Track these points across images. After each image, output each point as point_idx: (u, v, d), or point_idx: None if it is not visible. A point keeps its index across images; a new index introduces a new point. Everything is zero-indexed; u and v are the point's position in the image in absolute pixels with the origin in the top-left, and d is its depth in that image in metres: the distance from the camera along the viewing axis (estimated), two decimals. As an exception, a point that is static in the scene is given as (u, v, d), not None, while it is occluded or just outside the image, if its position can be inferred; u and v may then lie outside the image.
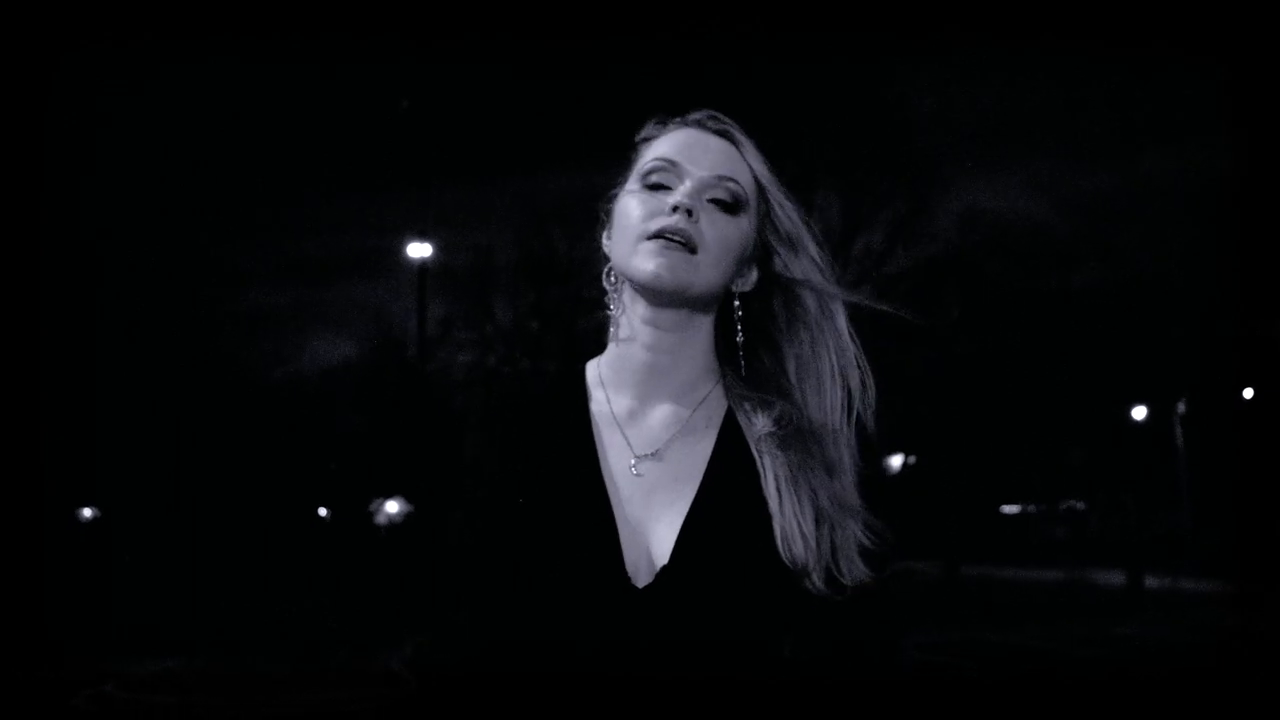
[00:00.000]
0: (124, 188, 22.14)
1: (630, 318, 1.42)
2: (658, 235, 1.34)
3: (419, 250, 20.92)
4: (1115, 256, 24.66)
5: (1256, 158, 21.48)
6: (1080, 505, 33.75)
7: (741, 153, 1.41)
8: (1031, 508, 35.06)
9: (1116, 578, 20.53)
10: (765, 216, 1.42)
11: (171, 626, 13.69)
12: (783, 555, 1.30)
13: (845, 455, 1.37)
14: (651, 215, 1.36)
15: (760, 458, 1.35)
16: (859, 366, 1.42)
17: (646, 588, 1.30)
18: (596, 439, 1.40)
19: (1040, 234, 24.14)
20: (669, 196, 1.36)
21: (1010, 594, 19.47)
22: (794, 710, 1.31)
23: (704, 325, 1.42)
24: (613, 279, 1.44)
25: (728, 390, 1.42)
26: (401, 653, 11.35)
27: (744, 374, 1.43)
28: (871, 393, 1.42)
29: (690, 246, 1.34)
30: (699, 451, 1.38)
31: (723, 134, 1.41)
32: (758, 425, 1.36)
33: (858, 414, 1.40)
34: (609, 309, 1.45)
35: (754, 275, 1.43)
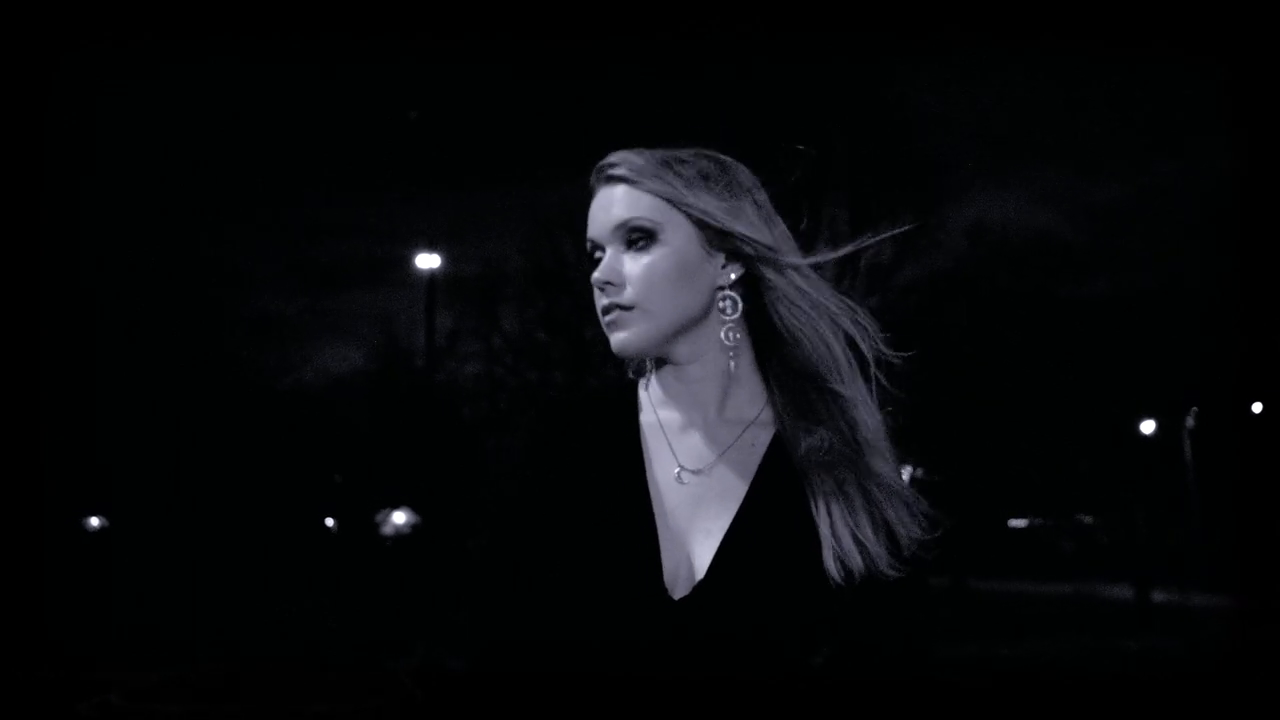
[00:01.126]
0: (131, 196, 22.22)
1: (653, 364, 1.49)
2: (602, 315, 1.43)
3: (427, 261, 20.94)
4: (1124, 268, 24.68)
5: (1268, 170, 21.46)
6: (1088, 519, 33.68)
7: (635, 185, 1.42)
8: (1040, 521, 35.00)
9: (1125, 591, 20.48)
10: (695, 220, 1.42)
11: (176, 634, 13.70)
12: (834, 573, 1.32)
13: (884, 442, 1.40)
14: (596, 299, 1.44)
15: (809, 481, 1.37)
16: (840, 311, 1.43)
17: (682, 599, 1.32)
18: (644, 449, 1.43)
19: (1048, 245, 24.12)
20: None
21: (1018, 607, 19.42)
22: None
23: (715, 343, 1.43)
24: None
25: (776, 416, 1.43)
26: (410, 660, 11.35)
27: (769, 366, 1.45)
28: (873, 326, 1.44)
29: (625, 307, 1.40)
30: (745, 470, 1.40)
31: (613, 179, 1.44)
32: (803, 451, 1.38)
33: (881, 358, 1.43)
34: (630, 369, 1.54)
35: (734, 267, 1.43)
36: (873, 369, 1.42)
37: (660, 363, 1.46)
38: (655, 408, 1.46)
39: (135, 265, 22.06)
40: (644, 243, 1.40)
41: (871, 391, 1.42)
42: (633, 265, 1.40)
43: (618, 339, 1.40)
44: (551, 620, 1.34)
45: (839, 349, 1.41)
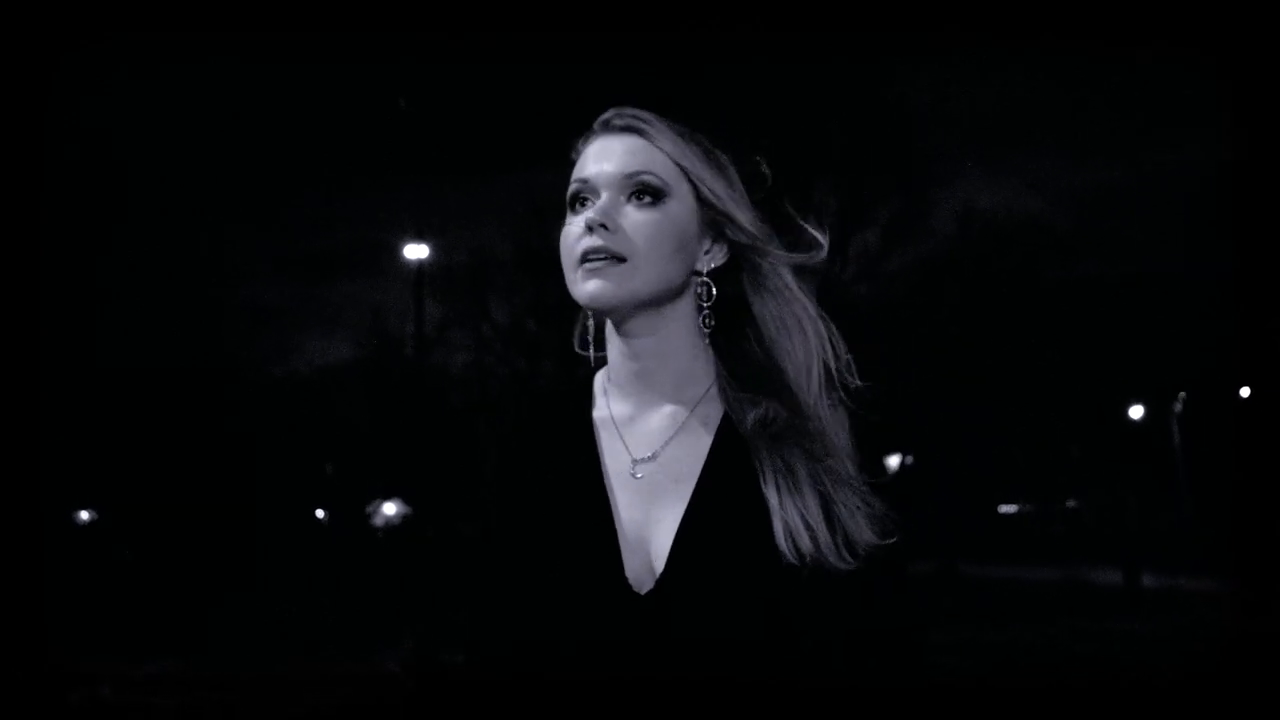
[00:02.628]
0: (123, 186, 22.15)
1: (607, 336, 1.44)
2: (583, 259, 1.35)
3: (416, 250, 20.86)
4: (1113, 253, 24.75)
5: (1256, 154, 21.51)
6: (1077, 503, 33.81)
7: (651, 141, 1.38)
8: (1029, 506, 35.12)
9: (1114, 576, 20.54)
10: (697, 192, 1.40)
11: (168, 626, 13.68)
12: (785, 551, 1.28)
13: (838, 433, 1.36)
14: (578, 239, 1.36)
15: (757, 456, 1.34)
16: (819, 320, 1.41)
17: (648, 594, 1.30)
18: (598, 444, 1.41)
19: (1038, 230, 24.15)
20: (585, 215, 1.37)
21: (1007, 593, 19.48)
22: (798, 713, 1.30)
23: (678, 320, 1.41)
24: (585, 315, 1.48)
25: (721, 390, 1.41)
26: (399, 651, 11.34)
27: (719, 350, 1.43)
28: (841, 345, 1.42)
29: (617, 256, 1.34)
30: (696, 452, 1.38)
31: (628, 129, 1.40)
32: (748, 424, 1.35)
33: (841, 381, 1.40)
34: (575, 341, 1.49)
35: (721, 250, 1.42)
36: (837, 382, 1.39)
37: (613, 339, 1.43)
38: (607, 400, 1.44)
39: (126, 256, 22.03)
40: (650, 199, 1.36)
41: (834, 397, 1.39)
42: (635, 217, 1.36)
43: (596, 286, 1.34)
44: (525, 630, 1.33)
45: (812, 344, 1.39)
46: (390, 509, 34.01)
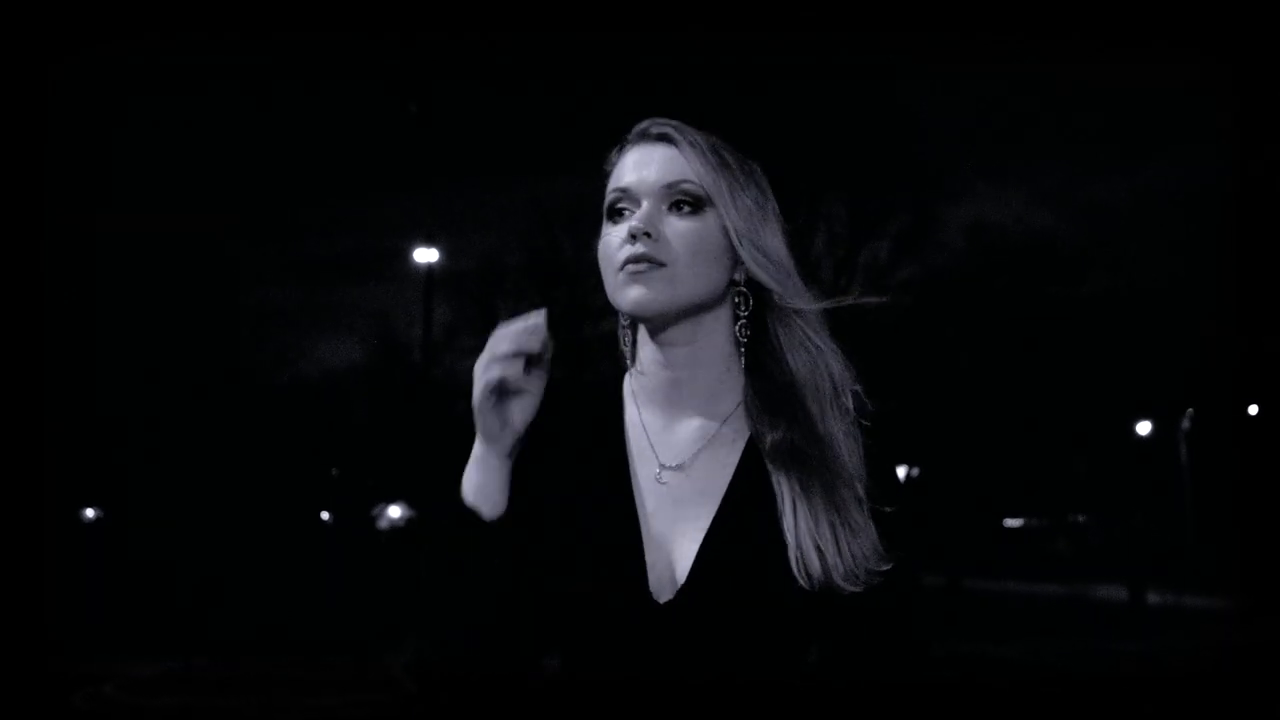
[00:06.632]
0: (133, 189, 22.24)
1: (641, 343, 1.44)
2: (625, 265, 1.36)
3: (425, 255, 20.89)
4: (1121, 269, 24.69)
5: (1266, 172, 21.48)
6: (1083, 519, 33.72)
7: (682, 152, 1.39)
8: (1035, 521, 35.05)
9: (1119, 592, 20.51)
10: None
11: (171, 627, 13.69)
12: (798, 575, 1.30)
13: (850, 457, 1.37)
14: (619, 247, 1.37)
15: (775, 478, 1.35)
16: (827, 347, 1.42)
17: (667, 604, 1.31)
18: (627, 450, 1.41)
19: (1046, 245, 24.13)
20: (627, 224, 1.38)
21: (1013, 608, 19.45)
22: None
23: (715, 331, 1.41)
24: (624, 321, 1.48)
25: (748, 408, 1.41)
26: (401, 656, 11.34)
27: (746, 364, 1.42)
28: (851, 373, 1.42)
29: (658, 262, 1.35)
30: (725, 466, 1.38)
31: (663, 138, 1.41)
32: (767, 446, 1.36)
33: (857, 406, 1.40)
34: (622, 346, 1.48)
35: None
36: (850, 408, 1.39)
37: (647, 345, 1.43)
38: (639, 404, 1.44)
39: (135, 260, 22.10)
40: (690, 209, 1.38)
41: (848, 419, 1.39)
42: (676, 225, 1.37)
43: (639, 294, 1.35)
44: (541, 629, 1.33)
45: (825, 378, 1.40)
46: (395, 512, 34.03)
